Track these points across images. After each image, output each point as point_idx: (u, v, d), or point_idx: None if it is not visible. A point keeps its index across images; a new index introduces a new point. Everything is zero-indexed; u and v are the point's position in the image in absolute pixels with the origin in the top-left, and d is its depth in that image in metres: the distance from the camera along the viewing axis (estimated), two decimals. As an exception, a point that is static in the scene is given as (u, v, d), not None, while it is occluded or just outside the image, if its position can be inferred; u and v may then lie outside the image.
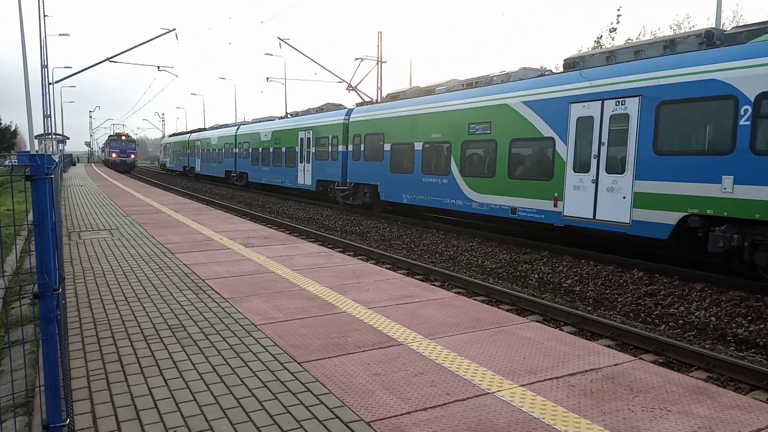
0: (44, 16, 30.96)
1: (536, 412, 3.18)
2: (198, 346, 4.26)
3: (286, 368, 3.84)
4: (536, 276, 10.65)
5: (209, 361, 3.97)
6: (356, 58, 24.72)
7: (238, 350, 4.19)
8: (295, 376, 3.70)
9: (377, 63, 26.03)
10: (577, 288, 9.75)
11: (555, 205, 11.77)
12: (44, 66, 31.73)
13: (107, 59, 29.14)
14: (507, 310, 8.33)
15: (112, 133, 65.44)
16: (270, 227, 14.15)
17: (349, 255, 11.78)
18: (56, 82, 34.97)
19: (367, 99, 22.64)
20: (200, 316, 5.05)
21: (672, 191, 9.59)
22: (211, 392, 3.46)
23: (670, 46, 10.26)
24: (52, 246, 2.52)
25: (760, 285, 8.64)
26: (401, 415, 3.15)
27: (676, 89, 9.53)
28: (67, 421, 2.61)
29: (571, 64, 12.12)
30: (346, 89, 24.41)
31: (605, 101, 10.69)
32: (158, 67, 33.29)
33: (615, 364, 3.96)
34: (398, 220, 17.48)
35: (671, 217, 9.59)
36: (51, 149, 38.42)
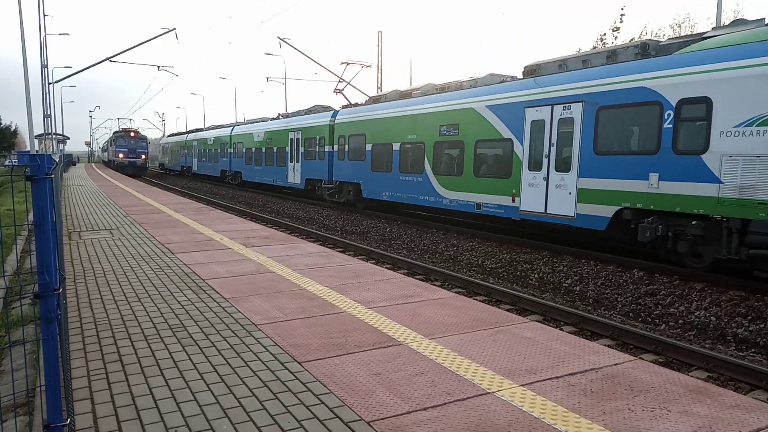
0: (44, 15, 30.95)
1: (536, 411, 3.19)
2: (198, 346, 4.26)
3: (286, 368, 3.84)
4: (536, 276, 10.65)
5: (210, 360, 3.98)
6: (342, 62, 25.63)
7: (238, 350, 4.19)
8: (295, 376, 3.70)
9: (370, 66, 26.69)
10: (577, 288, 9.75)
11: (513, 201, 12.89)
12: (44, 66, 31.73)
13: (107, 59, 29.14)
14: (507, 310, 8.33)
15: (117, 129, 55.65)
16: (270, 227, 14.15)
17: (349, 255, 11.77)
18: (56, 81, 34.97)
19: (353, 101, 23.42)
20: (201, 315, 5.05)
21: (609, 187, 10.73)
22: (212, 392, 3.46)
23: (612, 56, 11.22)
24: (52, 246, 2.53)
25: (761, 285, 8.66)
26: (401, 414, 3.15)
27: (612, 96, 10.67)
28: (68, 421, 2.61)
29: (529, 72, 13.06)
30: (333, 92, 25.28)
31: (554, 106, 11.84)
32: (158, 66, 33.33)
33: (615, 364, 3.96)
34: (398, 220, 17.50)
35: (608, 211, 10.73)
36: (51, 149, 38.43)
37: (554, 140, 11.83)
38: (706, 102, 9.11)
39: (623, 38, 28.38)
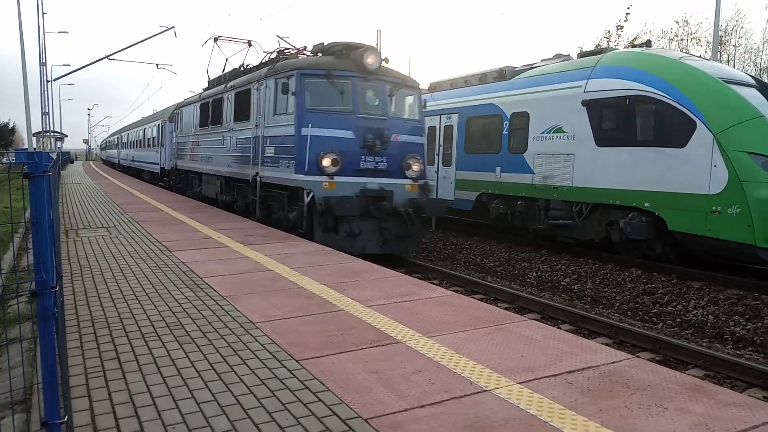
0: (43, 13, 30.91)
1: (533, 409, 3.19)
2: (196, 344, 4.26)
3: (284, 366, 3.85)
4: (534, 274, 10.66)
5: (207, 358, 3.98)
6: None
7: (236, 348, 4.19)
8: (293, 374, 3.71)
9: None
10: (576, 286, 9.77)
11: None
12: (43, 63, 31.70)
13: (106, 57, 29.09)
14: (505, 308, 8.33)
15: (285, 50, 12.55)
16: (269, 225, 14.12)
17: (347, 253, 11.75)
18: (55, 79, 34.95)
19: None
20: (198, 314, 5.05)
21: (473, 178, 14.27)
22: (210, 390, 3.46)
23: (482, 78, 14.43)
24: (49, 243, 2.53)
25: (758, 284, 8.69)
26: (399, 412, 3.15)
27: (475, 109, 14.17)
28: (65, 418, 2.61)
29: (432, 88, 16.56)
30: None
31: (441, 116, 15.46)
32: (157, 64, 33.34)
33: (612, 362, 3.97)
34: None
35: (472, 196, 14.25)
36: (49, 147, 38.38)
37: (441, 142, 15.46)
38: (526, 115, 12.48)
39: (627, 36, 28.87)
